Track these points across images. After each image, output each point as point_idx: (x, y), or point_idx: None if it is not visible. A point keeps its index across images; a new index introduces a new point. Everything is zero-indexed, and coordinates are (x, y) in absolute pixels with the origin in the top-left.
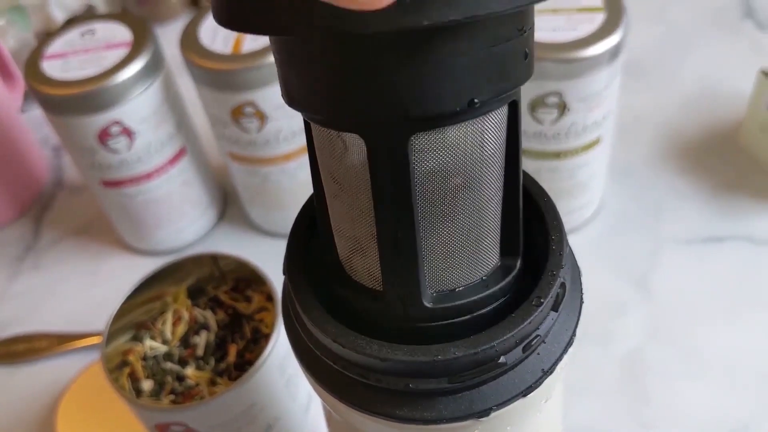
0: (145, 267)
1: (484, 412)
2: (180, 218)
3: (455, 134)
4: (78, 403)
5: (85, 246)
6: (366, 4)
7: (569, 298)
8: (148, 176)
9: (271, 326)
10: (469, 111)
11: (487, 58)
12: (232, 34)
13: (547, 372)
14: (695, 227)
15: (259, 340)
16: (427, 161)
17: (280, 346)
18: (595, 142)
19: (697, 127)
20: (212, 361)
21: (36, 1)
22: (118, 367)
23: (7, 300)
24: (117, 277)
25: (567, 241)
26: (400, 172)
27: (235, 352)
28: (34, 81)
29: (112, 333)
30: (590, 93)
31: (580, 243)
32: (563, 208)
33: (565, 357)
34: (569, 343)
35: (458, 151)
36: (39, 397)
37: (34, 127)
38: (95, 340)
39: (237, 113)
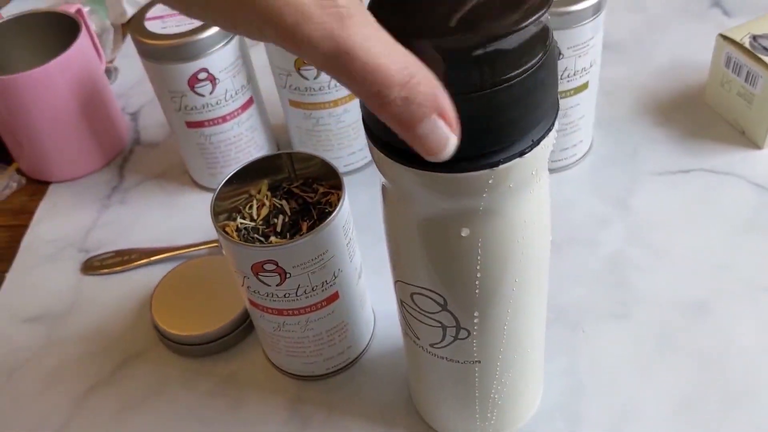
0: None
1: (495, 164)
2: (245, 158)
3: None
4: (169, 292)
5: (163, 186)
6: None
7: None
8: (224, 119)
9: (336, 203)
10: None
11: None
12: None
13: (536, 143)
14: (667, 163)
15: (325, 218)
16: None
17: (343, 212)
18: (583, 86)
19: (669, 91)
20: (288, 236)
21: None
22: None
23: (100, 227)
24: (190, 209)
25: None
26: None
27: (306, 226)
28: (140, 36)
29: (214, 213)
30: (579, 42)
31: (576, 176)
32: (561, 144)
33: (548, 137)
34: (551, 128)
35: None
36: (134, 295)
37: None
38: (177, 251)
39: (299, 63)
